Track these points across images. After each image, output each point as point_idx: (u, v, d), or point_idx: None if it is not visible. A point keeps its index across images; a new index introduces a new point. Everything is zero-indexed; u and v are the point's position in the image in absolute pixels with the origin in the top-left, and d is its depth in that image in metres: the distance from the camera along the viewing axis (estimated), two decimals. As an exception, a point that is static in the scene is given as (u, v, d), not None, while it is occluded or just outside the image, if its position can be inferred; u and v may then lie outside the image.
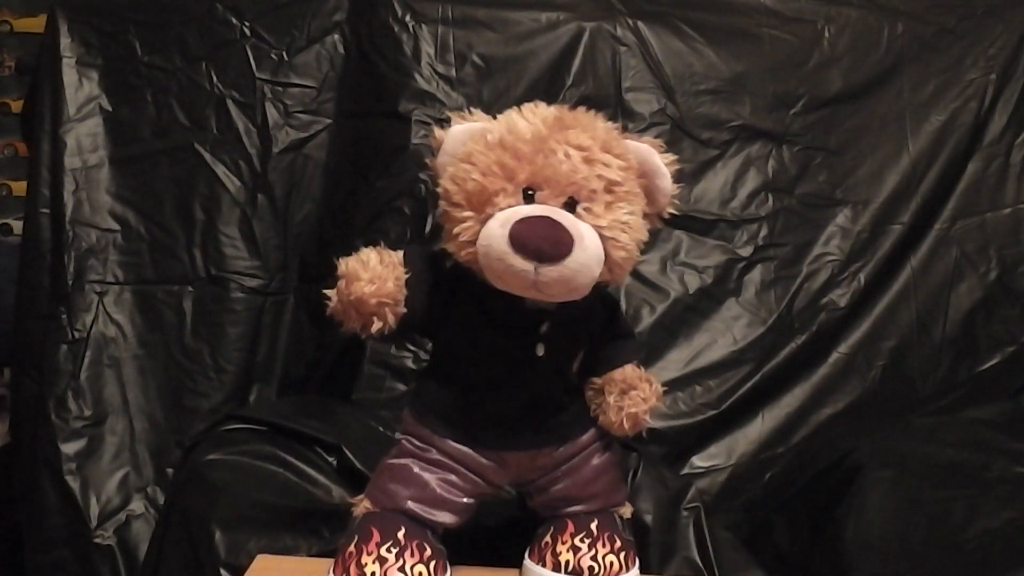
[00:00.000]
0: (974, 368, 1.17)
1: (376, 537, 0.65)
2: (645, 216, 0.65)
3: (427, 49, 1.16)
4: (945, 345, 1.17)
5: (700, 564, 0.85)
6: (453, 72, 1.16)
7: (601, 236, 0.61)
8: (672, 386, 1.12)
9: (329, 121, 1.19)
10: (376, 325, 0.65)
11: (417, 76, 1.15)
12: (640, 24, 1.19)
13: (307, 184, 1.18)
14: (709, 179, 1.18)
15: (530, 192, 0.61)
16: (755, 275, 1.17)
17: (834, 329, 1.16)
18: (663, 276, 1.16)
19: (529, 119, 0.63)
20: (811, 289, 1.17)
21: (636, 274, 1.16)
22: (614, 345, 0.71)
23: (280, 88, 1.18)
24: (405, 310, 0.65)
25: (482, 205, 0.61)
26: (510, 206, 0.61)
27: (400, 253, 0.66)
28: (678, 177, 0.66)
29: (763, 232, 1.18)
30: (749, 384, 1.12)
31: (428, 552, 0.66)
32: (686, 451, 1.10)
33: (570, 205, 0.61)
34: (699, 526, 0.87)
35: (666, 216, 0.67)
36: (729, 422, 1.11)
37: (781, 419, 1.12)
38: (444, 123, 0.66)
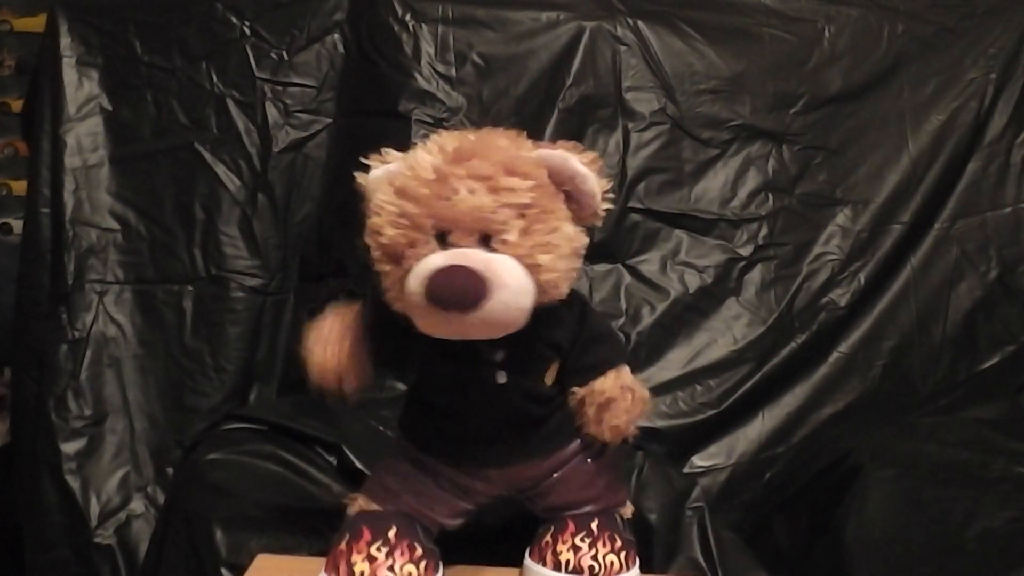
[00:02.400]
0: (974, 368, 1.17)
1: (367, 536, 0.65)
2: (577, 221, 0.63)
3: (427, 48, 1.16)
4: (945, 345, 1.17)
5: (703, 564, 0.85)
6: (453, 71, 1.16)
7: (523, 264, 0.60)
8: (672, 386, 1.12)
9: (329, 121, 1.19)
10: (349, 383, 0.66)
11: (417, 75, 1.15)
12: (640, 23, 1.19)
13: (307, 184, 1.18)
14: (709, 179, 1.18)
15: (444, 236, 0.60)
16: (755, 275, 1.17)
17: (834, 329, 1.16)
18: (663, 275, 1.16)
19: (431, 153, 0.61)
20: (811, 289, 1.17)
21: (636, 273, 1.16)
22: (590, 352, 0.69)
23: (280, 88, 1.18)
24: (369, 367, 0.66)
25: (398, 258, 0.60)
26: (426, 254, 0.59)
27: (355, 310, 0.67)
28: (600, 168, 0.64)
29: (763, 232, 1.18)
30: (749, 384, 1.12)
31: (419, 552, 0.66)
32: (686, 450, 1.10)
33: (484, 240, 0.60)
34: (703, 526, 0.87)
35: (602, 215, 0.65)
36: (729, 422, 1.11)
37: (781, 419, 1.12)
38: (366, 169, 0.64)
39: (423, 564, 0.66)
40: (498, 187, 0.60)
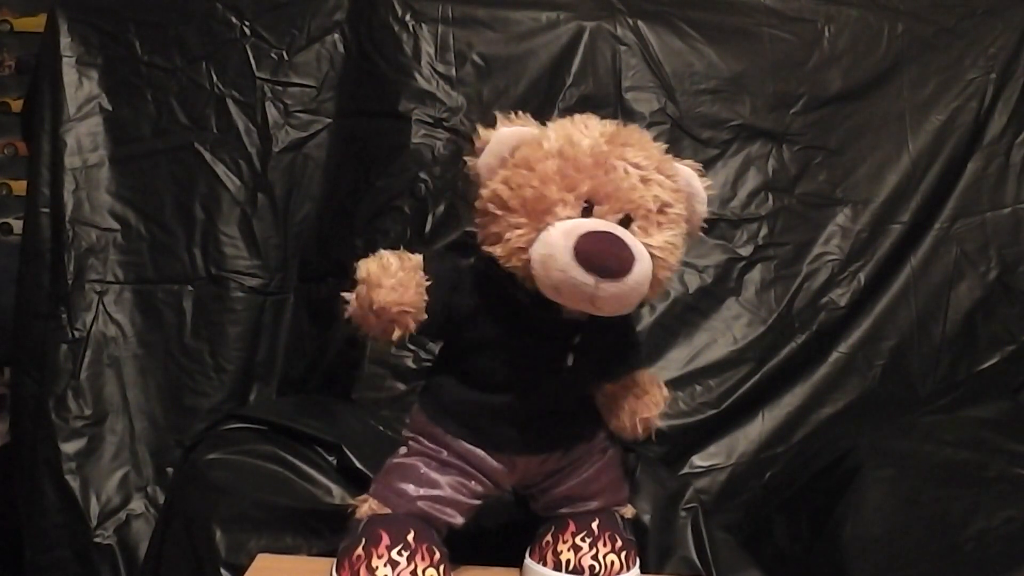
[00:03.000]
0: (974, 367, 1.17)
1: (386, 540, 0.65)
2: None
3: (427, 48, 1.16)
4: (945, 344, 1.17)
5: (698, 564, 0.85)
6: (453, 71, 1.16)
7: (651, 255, 0.62)
8: (672, 385, 1.10)
9: (329, 120, 1.19)
10: (396, 333, 0.64)
11: (417, 75, 1.15)
12: (640, 23, 1.19)
13: (307, 183, 1.18)
14: (709, 178, 1.18)
15: (587, 205, 0.61)
16: (755, 274, 1.17)
17: (834, 328, 1.16)
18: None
19: (586, 132, 0.63)
20: (811, 288, 1.17)
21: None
22: (626, 351, 0.72)
23: (280, 87, 1.18)
24: (426, 316, 0.64)
25: (540, 214, 0.61)
26: (569, 217, 0.61)
27: (419, 257, 0.65)
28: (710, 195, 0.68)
29: (763, 231, 1.18)
30: (749, 383, 1.12)
31: (437, 555, 0.66)
32: (686, 450, 1.10)
33: (625, 222, 0.62)
34: (697, 526, 0.87)
35: (697, 235, 0.69)
36: (729, 421, 1.11)
37: (781, 418, 1.12)
38: (476, 127, 0.66)
39: (442, 568, 0.66)
40: (649, 178, 0.63)
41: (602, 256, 0.58)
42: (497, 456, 0.69)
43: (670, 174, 0.64)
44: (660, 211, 0.62)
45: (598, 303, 0.60)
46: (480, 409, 0.68)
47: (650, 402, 0.70)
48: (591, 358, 0.67)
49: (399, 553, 0.64)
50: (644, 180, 0.62)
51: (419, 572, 0.64)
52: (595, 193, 0.61)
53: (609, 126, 0.65)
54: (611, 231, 0.60)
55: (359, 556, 0.65)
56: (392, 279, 0.62)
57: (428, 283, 0.64)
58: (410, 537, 0.65)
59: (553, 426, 0.69)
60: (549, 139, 0.63)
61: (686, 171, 0.67)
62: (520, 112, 0.66)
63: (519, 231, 0.61)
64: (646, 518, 0.86)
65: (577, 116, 0.66)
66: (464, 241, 1.07)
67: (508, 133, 0.64)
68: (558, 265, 0.59)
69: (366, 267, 0.63)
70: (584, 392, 0.71)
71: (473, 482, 0.69)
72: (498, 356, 0.66)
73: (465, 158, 0.67)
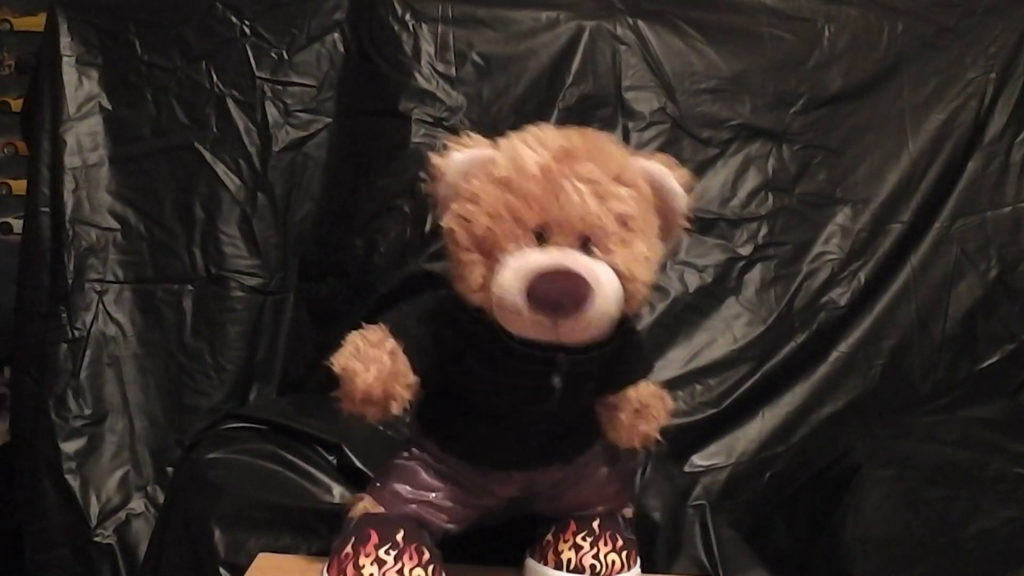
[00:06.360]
0: (974, 367, 1.17)
1: (374, 539, 0.65)
2: (661, 238, 0.63)
3: (427, 48, 1.16)
4: (945, 344, 1.17)
5: (705, 562, 0.85)
6: (453, 71, 1.16)
7: (617, 274, 0.59)
8: (672, 385, 1.11)
9: (329, 120, 1.19)
10: (395, 407, 0.63)
11: (417, 75, 1.15)
12: (640, 23, 1.19)
13: (307, 183, 1.18)
14: (709, 178, 1.18)
15: (541, 234, 0.59)
16: (755, 274, 1.17)
17: (834, 328, 1.16)
18: (663, 275, 1.16)
19: (535, 149, 0.60)
20: (811, 288, 1.17)
21: (636, 273, 1.16)
22: (626, 360, 0.68)
23: (280, 87, 1.18)
24: (415, 377, 0.63)
25: (491, 251, 0.59)
26: (523, 250, 0.58)
27: (382, 329, 0.64)
28: (690, 187, 0.64)
29: (763, 231, 1.18)
30: (749, 383, 1.12)
31: (427, 556, 0.66)
32: (686, 450, 1.10)
33: (584, 244, 0.59)
34: (704, 524, 0.87)
35: (681, 235, 0.65)
36: (729, 421, 1.11)
37: (781, 418, 1.12)
38: (440, 149, 0.63)
39: (431, 568, 0.65)
40: (605, 193, 0.59)
41: (554, 295, 0.56)
42: (492, 473, 0.68)
43: (630, 181, 0.60)
44: (622, 225, 0.59)
45: (563, 336, 0.59)
46: (470, 431, 0.67)
47: (649, 416, 0.68)
48: (581, 375, 0.65)
49: (386, 552, 0.64)
50: (599, 196, 0.59)
51: (406, 571, 0.64)
52: (546, 222, 0.58)
53: (562, 139, 0.61)
54: (563, 266, 0.57)
55: (347, 554, 0.65)
56: (364, 360, 0.62)
57: (403, 346, 0.63)
58: (399, 537, 0.65)
59: (551, 444, 0.68)
60: (497, 165, 0.60)
61: (655, 169, 0.63)
62: (471, 134, 0.63)
63: (475, 270, 0.59)
64: (656, 515, 0.86)
65: (531, 130, 0.62)
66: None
67: (461, 160, 0.61)
68: (513, 308, 0.57)
69: (339, 362, 0.62)
70: (584, 406, 0.69)
71: (470, 494, 0.69)
72: (483, 385, 0.65)
73: (422, 185, 0.65)
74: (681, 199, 0.63)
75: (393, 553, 0.64)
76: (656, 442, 0.69)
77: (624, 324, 0.64)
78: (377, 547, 0.64)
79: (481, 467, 0.68)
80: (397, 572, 0.64)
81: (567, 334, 0.59)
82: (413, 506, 0.67)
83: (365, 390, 0.61)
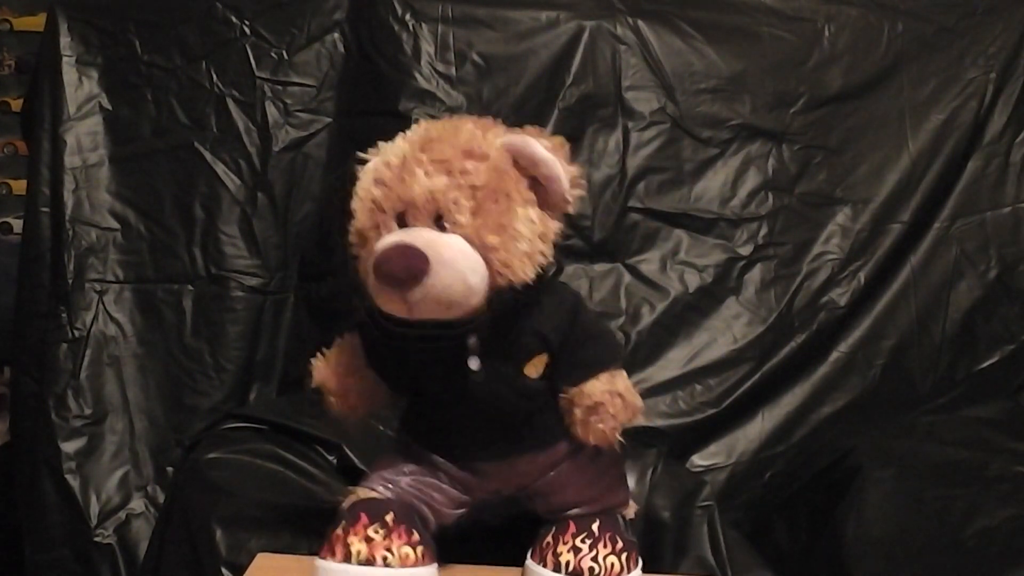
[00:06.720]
0: (973, 367, 1.17)
1: (364, 520, 0.66)
2: (547, 207, 0.64)
3: (427, 48, 1.16)
4: (945, 344, 1.17)
5: (712, 563, 0.85)
6: (453, 71, 1.16)
7: (472, 244, 0.60)
8: (672, 385, 1.12)
9: (329, 120, 1.19)
10: (352, 397, 0.69)
11: (417, 75, 1.15)
12: (640, 23, 1.19)
13: (307, 183, 1.18)
14: (709, 178, 1.18)
15: (402, 217, 0.62)
16: (755, 274, 1.17)
17: (834, 328, 1.16)
18: (663, 275, 1.16)
19: (399, 143, 0.64)
20: (811, 288, 1.17)
21: (636, 273, 1.16)
22: (581, 351, 0.67)
23: (280, 87, 1.18)
24: (377, 387, 0.69)
25: (367, 242, 0.63)
26: (382, 236, 0.62)
27: (353, 334, 0.70)
28: (563, 152, 0.63)
29: (763, 231, 1.18)
30: (749, 383, 1.12)
31: (416, 537, 0.66)
32: (686, 450, 1.10)
33: (438, 221, 0.61)
34: (712, 525, 0.87)
35: (571, 200, 0.64)
36: (729, 421, 1.11)
37: (781, 418, 1.12)
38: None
39: (419, 549, 0.66)
40: (453, 170, 0.62)
41: (389, 267, 0.59)
42: (458, 463, 0.69)
43: (481, 154, 0.62)
44: (471, 197, 0.61)
45: (414, 311, 0.60)
46: (424, 424, 0.70)
47: (605, 413, 0.66)
48: (505, 357, 0.65)
49: (375, 531, 0.65)
50: (448, 172, 0.61)
51: (394, 549, 0.65)
52: (399, 206, 0.62)
53: (423, 128, 0.65)
54: (401, 242, 0.59)
55: (338, 535, 0.66)
56: (332, 366, 0.69)
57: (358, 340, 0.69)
58: (388, 517, 0.66)
59: (502, 432, 0.69)
60: (370, 164, 0.65)
61: (517, 140, 0.63)
62: (380, 142, 0.66)
63: (363, 264, 0.63)
64: (665, 515, 0.86)
65: (413, 127, 0.66)
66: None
67: (365, 170, 0.65)
68: (372, 288, 0.61)
69: (315, 375, 0.70)
70: (520, 392, 0.67)
71: (453, 486, 0.70)
72: (411, 375, 0.68)
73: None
74: (553, 165, 0.63)
75: (382, 531, 0.65)
76: (619, 443, 0.68)
77: (505, 295, 0.63)
78: (366, 527, 0.65)
79: (449, 458, 0.69)
80: (385, 548, 0.65)
81: (420, 309, 0.60)
82: (402, 491, 0.68)
83: (338, 391, 0.69)
